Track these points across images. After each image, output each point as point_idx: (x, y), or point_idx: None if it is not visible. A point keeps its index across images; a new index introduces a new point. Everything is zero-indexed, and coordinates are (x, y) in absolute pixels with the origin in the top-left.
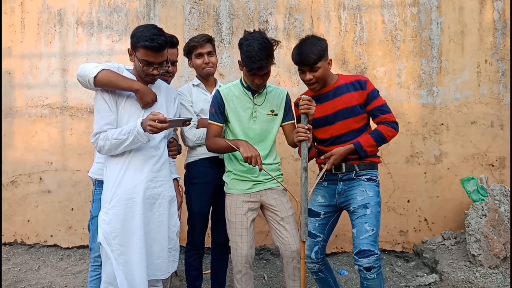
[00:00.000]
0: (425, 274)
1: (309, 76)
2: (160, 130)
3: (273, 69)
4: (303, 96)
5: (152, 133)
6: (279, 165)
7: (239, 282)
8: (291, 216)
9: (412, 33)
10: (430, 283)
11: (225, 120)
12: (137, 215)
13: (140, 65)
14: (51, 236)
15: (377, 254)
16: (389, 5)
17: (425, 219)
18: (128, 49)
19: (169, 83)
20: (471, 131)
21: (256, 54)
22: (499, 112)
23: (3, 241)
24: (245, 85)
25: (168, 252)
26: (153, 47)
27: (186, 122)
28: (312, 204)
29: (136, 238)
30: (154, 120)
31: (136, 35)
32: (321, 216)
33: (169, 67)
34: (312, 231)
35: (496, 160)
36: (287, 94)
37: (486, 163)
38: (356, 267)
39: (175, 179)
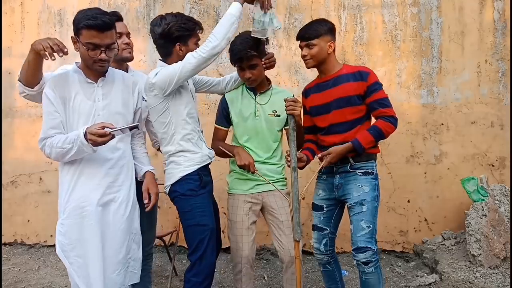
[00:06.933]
0: (425, 274)
1: (304, 51)
2: (101, 144)
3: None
4: (288, 97)
5: (94, 146)
6: (283, 169)
7: (238, 282)
8: (290, 221)
9: (412, 33)
10: (430, 283)
11: (229, 123)
12: (91, 224)
13: (86, 50)
14: (51, 236)
15: (374, 249)
16: (389, 5)
17: (425, 219)
18: (71, 37)
19: (132, 58)
20: (471, 131)
21: (237, 47)
22: (499, 112)
23: (3, 241)
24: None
25: (128, 262)
26: (97, 24)
27: (133, 128)
28: (315, 198)
29: (91, 249)
30: (94, 134)
31: (78, 18)
32: (324, 209)
33: (118, 48)
34: (318, 225)
35: (496, 160)
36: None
37: (486, 163)
38: (354, 262)
39: (149, 172)
